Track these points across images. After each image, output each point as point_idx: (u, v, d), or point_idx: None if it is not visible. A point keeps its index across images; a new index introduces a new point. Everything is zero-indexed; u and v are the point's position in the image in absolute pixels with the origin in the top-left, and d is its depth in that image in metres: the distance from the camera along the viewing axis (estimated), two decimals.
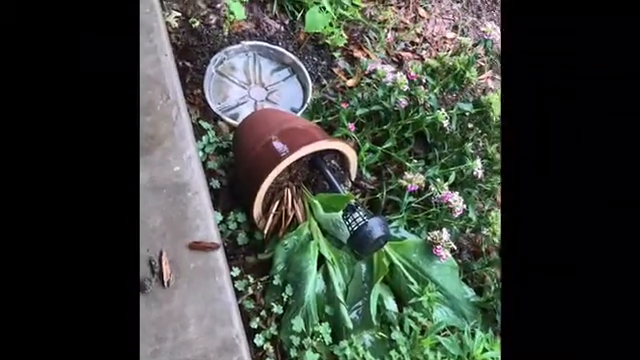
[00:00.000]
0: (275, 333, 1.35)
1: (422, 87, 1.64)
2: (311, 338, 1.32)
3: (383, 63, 1.98)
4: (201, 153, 1.57)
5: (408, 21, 2.16)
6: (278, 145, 1.39)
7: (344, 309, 1.36)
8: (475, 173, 1.54)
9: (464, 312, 1.44)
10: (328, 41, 1.97)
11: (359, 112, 1.68)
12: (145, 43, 1.59)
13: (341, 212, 1.44)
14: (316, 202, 1.47)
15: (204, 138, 1.62)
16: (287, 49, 1.92)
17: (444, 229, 1.46)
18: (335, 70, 1.95)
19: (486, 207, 1.64)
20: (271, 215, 1.46)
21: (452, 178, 1.56)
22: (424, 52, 2.09)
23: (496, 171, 1.63)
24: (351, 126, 1.65)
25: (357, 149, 1.62)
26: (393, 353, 1.31)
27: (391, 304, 1.42)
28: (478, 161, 1.55)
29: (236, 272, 1.39)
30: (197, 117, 1.69)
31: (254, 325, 1.35)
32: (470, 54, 1.67)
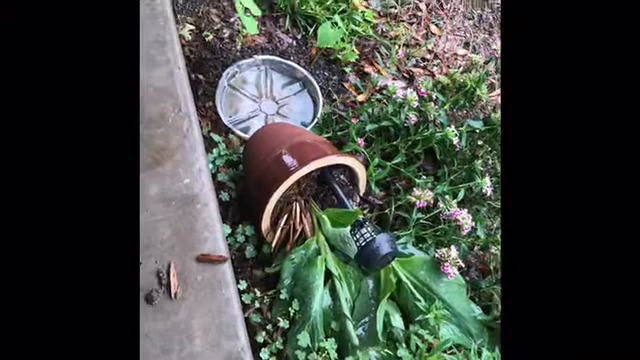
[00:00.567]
0: (281, 347, 1.35)
1: (432, 103, 1.65)
2: (317, 353, 1.32)
3: (394, 79, 1.99)
4: (211, 165, 1.58)
5: (420, 37, 2.17)
6: (287, 159, 1.40)
7: (350, 325, 1.36)
8: (484, 191, 1.54)
9: (471, 330, 1.43)
10: (339, 56, 1.98)
11: (369, 127, 1.69)
12: (158, 56, 1.61)
13: (349, 227, 1.44)
14: (324, 217, 1.47)
15: (215, 151, 1.63)
16: (299, 63, 1.94)
17: (452, 246, 1.45)
18: (346, 85, 1.96)
19: (495, 225, 1.63)
20: (279, 229, 1.47)
21: (461, 195, 1.56)
22: (435, 68, 2.10)
23: None
24: (361, 141, 1.66)
25: (366, 164, 1.62)
26: None
27: (398, 321, 1.41)
28: (487, 179, 1.55)
29: (243, 285, 1.39)
30: (208, 130, 1.70)
31: (260, 339, 1.35)
32: (481, 71, 1.67)
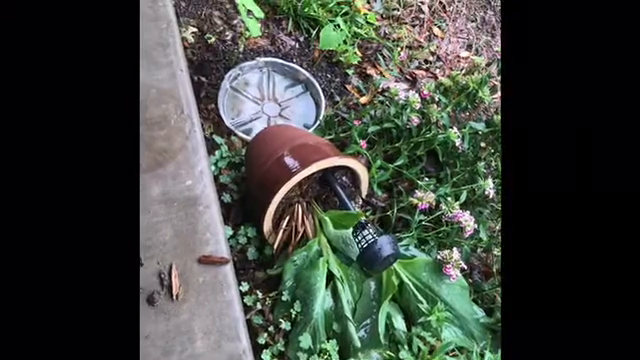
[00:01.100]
0: (282, 349, 1.35)
1: (435, 105, 1.65)
2: (318, 355, 1.32)
3: (396, 81, 1.99)
4: (213, 167, 1.58)
5: (422, 40, 2.17)
6: (289, 161, 1.40)
7: (352, 327, 1.36)
8: (487, 193, 1.54)
9: (473, 333, 1.42)
10: (342, 58, 1.98)
11: (371, 129, 1.69)
12: (161, 58, 1.62)
13: (351, 229, 1.44)
14: (326, 219, 1.47)
15: (217, 153, 1.63)
16: (301, 66, 1.94)
17: (455, 248, 1.45)
18: (348, 87, 1.96)
19: (497, 227, 1.63)
20: (281, 230, 1.47)
21: (463, 197, 1.55)
22: (437, 71, 2.10)
23: None
24: (363, 143, 1.66)
25: (368, 166, 1.62)
26: None
27: (400, 323, 1.41)
28: (490, 180, 1.54)
29: (245, 287, 1.39)
30: (210, 132, 1.71)
31: (262, 341, 1.35)
32: (483, 73, 1.67)
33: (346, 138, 1.75)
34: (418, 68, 2.09)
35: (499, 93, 1.86)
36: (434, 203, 1.52)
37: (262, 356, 1.32)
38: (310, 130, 1.78)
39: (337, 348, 1.34)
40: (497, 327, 1.44)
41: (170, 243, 1.33)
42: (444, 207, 1.51)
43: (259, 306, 1.40)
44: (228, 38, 1.95)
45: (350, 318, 1.37)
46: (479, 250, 1.61)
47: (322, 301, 1.38)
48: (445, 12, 2.29)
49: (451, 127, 1.61)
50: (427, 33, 2.20)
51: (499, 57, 1.68)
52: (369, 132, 1.69)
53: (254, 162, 1.50)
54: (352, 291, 1.43)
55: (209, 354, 1.22)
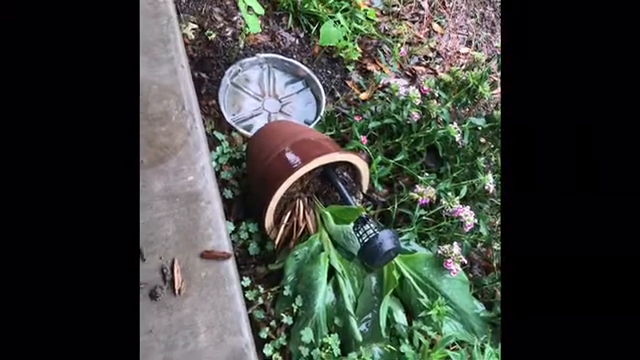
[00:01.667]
0: (284, 344, 1.36)
1: (435, 101, 1.65)
2: (320, 349, 1.32)
3: (396, 77, 1.99)
4: (215, 163, 1.59)
5: (422, 36, 2.18)
6: (290, 156, 1.41)
7: (353, 321, 1.36)
8: (487, 187, 1.54)
9: (474, 327, 1.43)
10: (342, 54, 1.99)
11: (372, 125, 1.70)
12: (162, 54, 1.62)
13: (352, 224, 1.44)
14: (327, 214, 1.48)
15: (218, 149, 1.63)
16: (301, 62, 1.94)
17: (455, 243, 1.46)
18: (349, 83, 1.97)
19: (497, 222, 1.64)
20: (282, 226, 1.47)
21: (464, 192, 1.56)
22: (437, 66, 2.10)
23: None
24: (363, 139, 1.66)
25: (369, 162, 1.63)
26: None
27: (401, 317, 1.42)
28: (490, 175, 1.55)
29: (247, 282, 1.40)
30: (212, 128, 1.71)
31: (263, 335, 1.36)
32: (483, 69, 1.68)
33: (347, 134, 1.75)
34: (418, 64, 2.10)
35: (499, 89, 1.86)
36: (434, 198, 1.53)
37: (264, 350, 1.33)
38: (311, 126, 1.78)
39: (339, 342, 1.34)
40: (497, 321, 1.45)
41: (172, 238, 1.34)
42: (444, 202, 1.51)
43: (261, 301, 1.40)
44: (228, 34, 1.96)
45: (351, 312, 1.38)
46: (479, 245, 1.62)
47: (323, 296, 1.38)
48: (445, 8, 2.29)
49: (451, 123, 1.62)
50: (427, 29, 2.21)
51: (499, 53, 1.69)
52: (370, 128, 1.70)
53: (255, 158, 1.51)
54: (353, 286, 1.43)
55: (212, 348, 1.23)
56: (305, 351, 1.32)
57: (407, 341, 1.37)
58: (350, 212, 1.44)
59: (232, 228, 1.49)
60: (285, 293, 1.40)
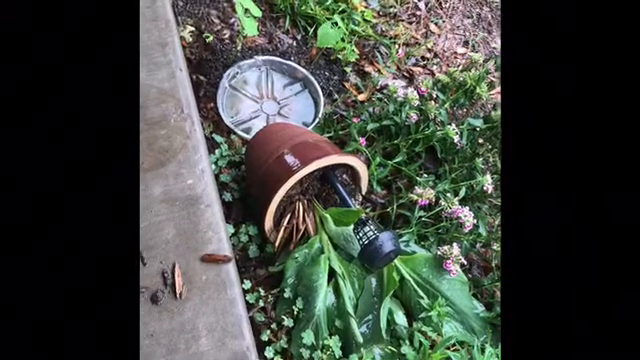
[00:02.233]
0: (285, 346, 1.36)
1: (433, 102, 1.66)
2: (321, 351, 1.33)
3: (394, 78, 2.00)
4: (214, 166, 1.59)
5: (419, 36, 2.18)
6: (290, 159, 1.41)
7: (354, 323, 1.37)
8: (485, 188, 1.55)
9: (474, 327, 1.44)
10: (340, 56, 1.99)
11: (370, 127, 1.70)
12: (160, 57, 1.62)
13: (352, 226, 1.45)
14: (327, 216, 1.48)
15: (217, 151, 1.64)
16: (299, 64, 1.95)
17: (454, 244, 1.46)
18: (346, 85, 1.97)
19: (496, 222, 1.64)
20: (282, 228, 1.48)
21: (462, 193, 1.57)
22: (435, 67, 2.11)
23: None
24: (362, 140, 1.67)
25: (368, 163, 1.63)
26: None
27: (401, 318, 1.42)
28: (488, 176, 1.56)
29: (247, 285, 1.40)
30: (210, 130, 1.71)
31: (265, 338, 1.36)
32: (481, 70, 1.68)
33: (345, 135, 1.76)
34: (415, 65, 2.11)
35: (497, 89, 1.87)
36: (433, 199, 1.53)
37: (265, 353, 1.34)
38: (309, 128, 1.79)
39: (340, 344, 1.35)
40: (497, 321, 1.46)
41: (172, 242, 1.34)
42: (443, 203, 1.52)
43: (261, 303, 1.41)
44: (226, 37, 1.96)
45: (352, 314, 1.38)
46: (478, 245, 1.63)
47: (324, 298, 1.39)
48: (441, 9, 2.30)
49: (449, 124, 1.63)
50: (424, 30, 2.21)
51: (496, 53, 1.70)
52: (368, 129, 1.70)
53: (254, 160, 1.51)
54: (353, 287, 1.44)
55: (213, 352, 1.23)
56: (306, 353, 1.33)
57: (407, 342, 1.37)
58: (350, 214, 1.45)
59: (232, 231, 1.49)
60: (286, 295, 1.41)
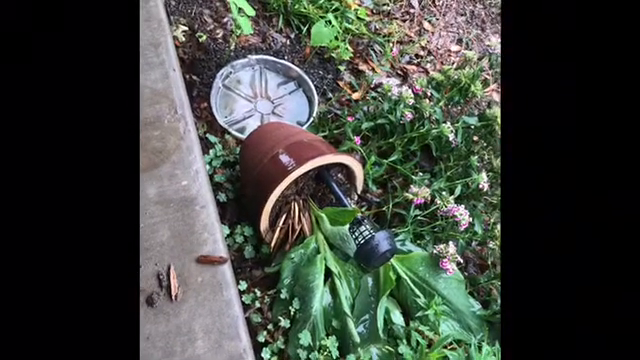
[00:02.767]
0: (282, 347, 1.35)
1: (427, 100, 1.65)
2: (318, 352, 1.33)
3: (388, 76, 1.99)
4: (208, 167, 1.58)
5: (413, 34, 2.18)
6: (284, 159, 1.40)
7: (351, 323, 1.36)
8: (481, 186, 1.55)
9: (470, 325, 1.44)
10: (334, 55, 1.99)
11: (365, 125, 1.70)
12: (153, 58, 1.61)
13: (348, 225, 1.44)
14: (323, 216, 1.48)
15: (211, 152, 1.63)
16: (293, 63, 1.94)
17: (450, 242, 1.46)
18: (341, 83, 1.96)
19: (492, 220, 1.64)
20: (278, 229, 1.47)
21: (458, 191, 1.56)
22: (429, 65, 2.10)
23: None
24: (357, 139, 1.66)
25: (363, 162, 1.63)
26: None
27: (398, 317, 1.42)
28: (484, 174, 1.55)
29: (243, 286, 1.40)
30: (204, 131, 1.70)
31: (261, 339, 1.35)
32: (475, 67, 1.68)
33: (340, 134, 1.75)
34: (409, 63, 2.10)
35: (491, 87, 1.87)
36: (429, 198, 1.53)
37: (262, 354, 1.33)
38: (304, 127, 1.78)
39: (337, 344, 1.34)
40: (493, 319, 1.46)
41: (167, 244, 1.33)
42: (439, 201, 1.52)
43: (258, 304, 1.40)
44: (219, 36, 1.95)
45: (349, 314, 1.38)
46: (474, 243, 1.63)
47: (320, 298, 1.38)
48: (435, 6, 2.30)
49: (444, 122, 1.62)
50: (417, 28, 2.21)
51: (490, 51, 1.69)
52: (363, 128, 1.70)
53: (249, 161, 1.50)
54: (350, 287, 1.43)
55: (210, 354, 1.22)
56: (303, 354, 1.32)
57: (405, 341, 1.37)
58: (345, 213, 1.44)
59: (227, 232, 1.48)
60: (282, 296, 1.40)
